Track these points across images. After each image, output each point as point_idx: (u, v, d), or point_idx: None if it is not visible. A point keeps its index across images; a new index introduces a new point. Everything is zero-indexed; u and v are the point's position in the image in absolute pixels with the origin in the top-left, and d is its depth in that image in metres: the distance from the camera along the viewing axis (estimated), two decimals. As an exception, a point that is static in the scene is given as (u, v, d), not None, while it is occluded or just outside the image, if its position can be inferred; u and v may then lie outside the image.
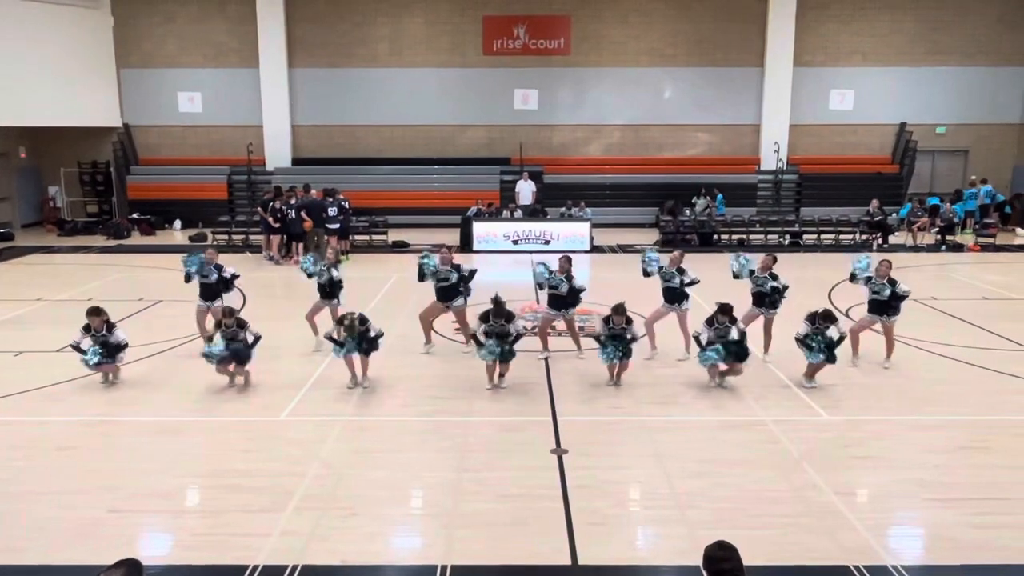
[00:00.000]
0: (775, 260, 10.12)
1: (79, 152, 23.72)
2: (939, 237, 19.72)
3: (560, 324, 10.61)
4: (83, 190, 23.96)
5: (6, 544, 5.74)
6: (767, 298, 9.90)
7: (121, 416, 8.24)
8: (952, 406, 8.58)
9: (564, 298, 10.05)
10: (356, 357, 8.87)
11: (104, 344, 8.89)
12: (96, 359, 8.87)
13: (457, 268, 10.32)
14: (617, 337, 8.86)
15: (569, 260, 10.22)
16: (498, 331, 8.71)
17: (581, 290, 10.15)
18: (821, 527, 5.98)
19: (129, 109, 23.89)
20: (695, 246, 19.69)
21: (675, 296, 10.13)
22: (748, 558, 3.23)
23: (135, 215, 22.71)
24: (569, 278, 10.02)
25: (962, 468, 7.03)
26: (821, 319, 8.74)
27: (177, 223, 23.22)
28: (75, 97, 21.93)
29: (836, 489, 6.56)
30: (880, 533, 5.94)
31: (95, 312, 8.95)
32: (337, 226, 17.67)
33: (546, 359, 10.15)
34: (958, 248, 19.37)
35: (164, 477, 6.81)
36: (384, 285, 14.21)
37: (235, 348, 8.75)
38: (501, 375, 9.03)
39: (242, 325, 8.88)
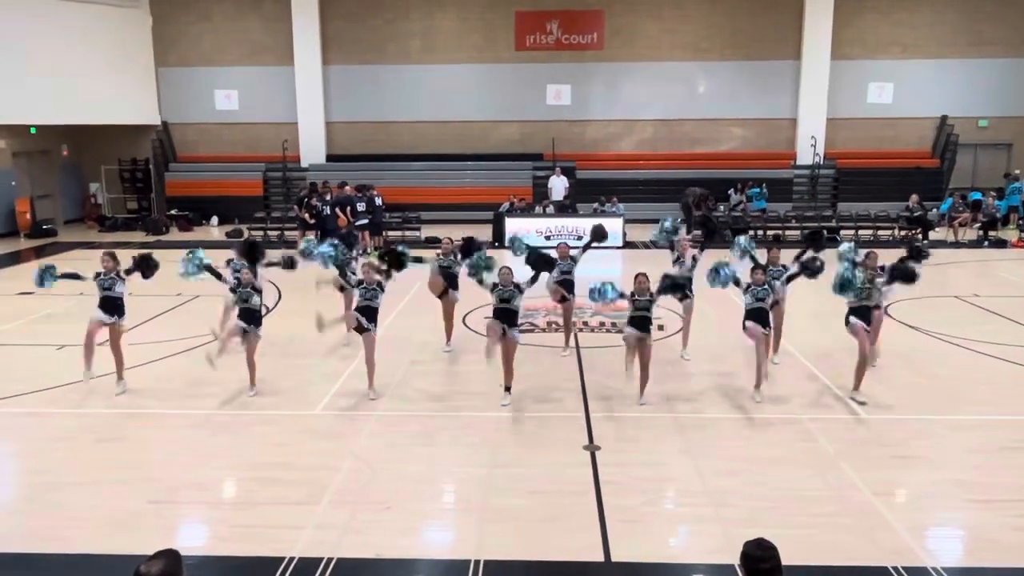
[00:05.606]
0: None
1: (119, 150, 24.16)
2: (981, 233, 19.30)
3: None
4: (123, 187, 24.44)
5: (51, 533, 5.88)
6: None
7: (159, 409, 8.40)
8: (994, 405, 8.39)
9: (572, 282, 9.96)
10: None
11: (109, 290, 8.68)
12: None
13: (457, 259, 10.33)
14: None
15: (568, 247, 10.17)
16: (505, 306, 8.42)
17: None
18: (859, 527, 5.89)
19: (167, 107, 24.29)
20: (728, 241, 19.46)
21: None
22: (783, 558, 3.18)
23: (173, 211, 23.13)
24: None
25: (1004, 469, 6.88)
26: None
27: (214, 219, 23.58)
28: (115, 96, 22.36)
29: (874, 489, 6.45)
30: (919, 534, 5.84)
31: (109, 256, 8.86)
32: (365, 221, 17.78)
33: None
34: (1001, 244, 18.93)
35: (202, 469, 6.92)
36: (416, 281, 14.24)
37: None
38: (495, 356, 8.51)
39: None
